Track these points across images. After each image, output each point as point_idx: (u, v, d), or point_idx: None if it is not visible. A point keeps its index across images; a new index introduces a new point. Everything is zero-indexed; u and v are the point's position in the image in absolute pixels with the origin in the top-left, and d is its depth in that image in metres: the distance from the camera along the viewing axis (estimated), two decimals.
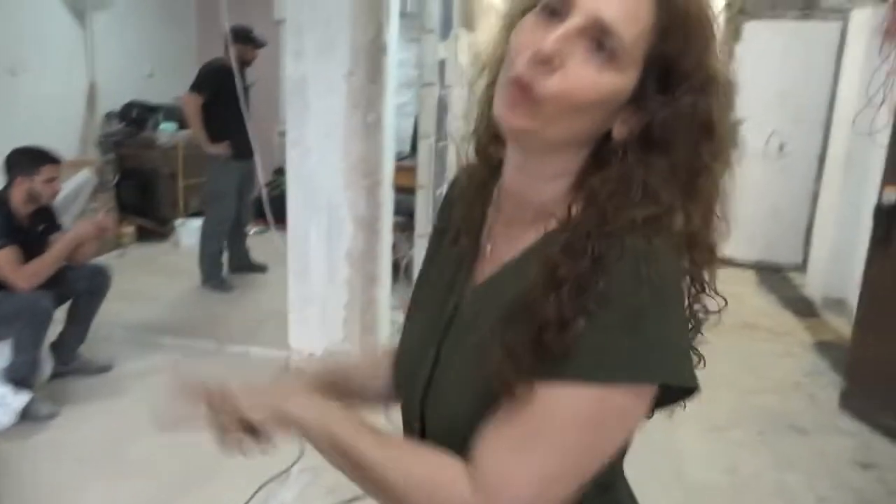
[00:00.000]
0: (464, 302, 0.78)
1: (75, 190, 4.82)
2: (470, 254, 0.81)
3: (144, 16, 6.37)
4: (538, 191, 0.73)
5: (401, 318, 3.87)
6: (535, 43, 0.64)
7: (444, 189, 4.48)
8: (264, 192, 4.16)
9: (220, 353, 3.72)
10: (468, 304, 0.77)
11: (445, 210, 0.90)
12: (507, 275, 0.74)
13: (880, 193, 2.91)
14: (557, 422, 0.62)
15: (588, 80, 0.64)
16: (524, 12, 0.71)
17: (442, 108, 4.28)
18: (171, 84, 6.56)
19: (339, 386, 0.91)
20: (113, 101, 5.81)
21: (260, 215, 5.21)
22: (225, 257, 4.87)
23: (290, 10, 3.13)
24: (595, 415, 0.62)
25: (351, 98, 3.13)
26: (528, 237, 0.73)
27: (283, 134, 6.90)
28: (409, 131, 5.14)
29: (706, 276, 0.70)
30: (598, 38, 0.63)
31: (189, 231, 5.61)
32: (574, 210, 0.69)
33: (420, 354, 0.79)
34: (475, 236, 0.81)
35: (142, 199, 5.83)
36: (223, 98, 4.29)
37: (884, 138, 3.70)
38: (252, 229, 5.28)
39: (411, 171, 4.39)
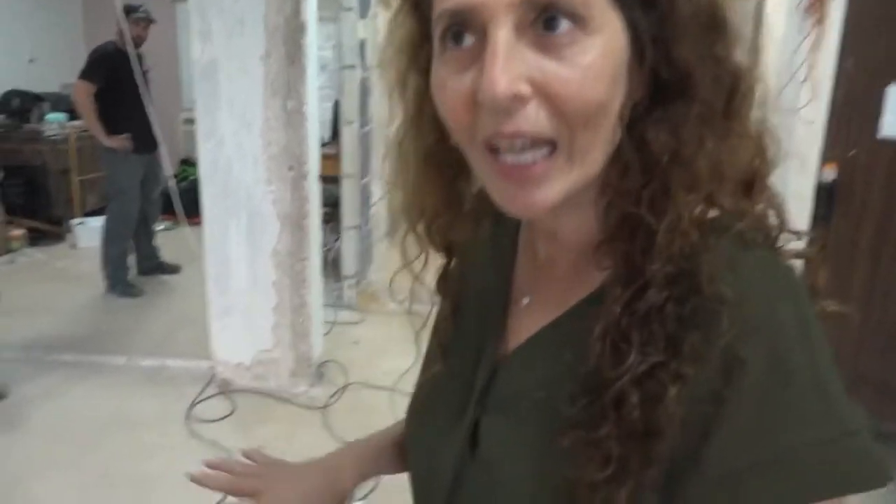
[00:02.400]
0: (503, 367, 0.57)
1: None
2: (497, 312, 0.61)
3: None
4: (586, 220, 0.53)
5: (333, 316, 3.57)
6: (471, 90, 0.43)
7: (370, 178, 4.25)
8: (173, 185, 3.78)
9: (131, 368, 3.36)
10: (513, 368, 0.57)
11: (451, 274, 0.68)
12: (562, 333, 0.53)
13: (820, 172, 2.90)
14: None
15: (576, 77, 0.42)
16: (413, 44, 0.51)
17: (364, 91, 4.02)
18: (56, 70, 5.98)
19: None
20: None
21: (167, 210, 4.80)
22: (131, 259, 4.45)
23: None
24: None
25: (268, 83, 2.84)
26: (585, 279, 0.53)
27: (188, 121, 6.49)
28: (328, 116, 4.86)
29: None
30: (545, 18, 0.42)
31: (88, 231, 5.13)
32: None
33: (443, 441, 0.59)
34: (500, 291, 0.62)
35: (30, 197, 5.30)
36: (119, 85, 3.88)
37: (808, 113, 3.76)
38: (160, 226, 4.85)
39: (334, 158, 4.13)
